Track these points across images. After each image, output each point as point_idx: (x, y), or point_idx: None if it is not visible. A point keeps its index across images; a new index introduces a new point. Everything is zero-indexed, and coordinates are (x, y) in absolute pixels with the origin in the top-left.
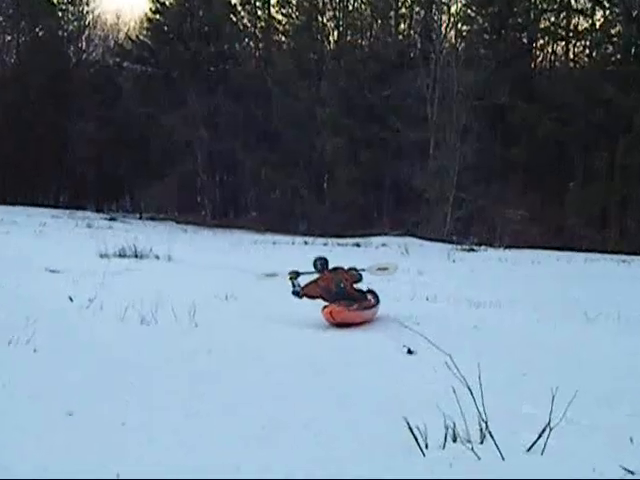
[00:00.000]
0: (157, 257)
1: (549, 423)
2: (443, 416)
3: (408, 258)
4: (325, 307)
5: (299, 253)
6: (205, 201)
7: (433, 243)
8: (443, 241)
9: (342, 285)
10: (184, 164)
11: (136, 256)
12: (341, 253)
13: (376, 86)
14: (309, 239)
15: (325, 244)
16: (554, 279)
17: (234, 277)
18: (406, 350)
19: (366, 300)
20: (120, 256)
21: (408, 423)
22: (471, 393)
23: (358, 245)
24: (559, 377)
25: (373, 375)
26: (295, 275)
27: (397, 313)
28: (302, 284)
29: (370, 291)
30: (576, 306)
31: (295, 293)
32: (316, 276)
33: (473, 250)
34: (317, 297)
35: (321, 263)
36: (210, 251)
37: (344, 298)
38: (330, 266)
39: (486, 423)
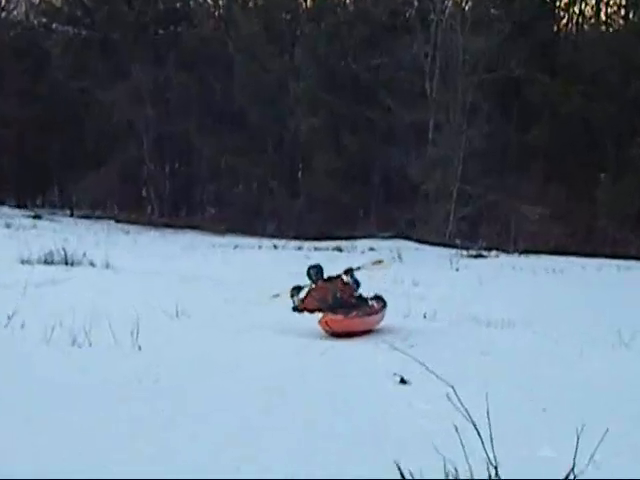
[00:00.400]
0: (92, 264)
1: (573, 469)
2: (443, 460)
3: (402, 265)
4: (321, 317)
5: (268, 259)
6: (152, 195)
7: (432, 247)
8: (444, 245)
9: (338, 295)
10: (126, 150)
11: (66, 263)
12: (319, 260)
13: (363, 54)
14: (279, 242)
15: (299, 248)
16: (581, 292)
17: (187, 288)
18: (398, 379)
19: (367, 307)
20: (46, 262)
21: (399, 468)
22: (478, 432)
23: (340, 249)
24: (585, 413)
25: (358, 410)
26: (297, 291)
27: (388, 333)
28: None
29: (376, 297)
30: (608, 325)
31: (295, 309)
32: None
33: (481, 256)
34: (316, 310)
35: (315, 272)
36: (158, 257)
37: (341, 307)
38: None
39: (496, 469)
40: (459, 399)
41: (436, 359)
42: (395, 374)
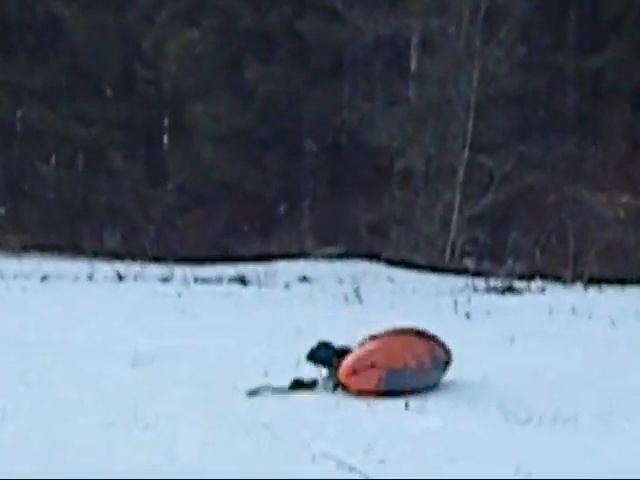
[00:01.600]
0: None
1: None
2: None
3: (362, 309)
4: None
5: (106, 303)
6: None
7: (419, 274)
8: (443, 270)
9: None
10: None
11: None
12: (203, 304)
13: None
14: (128, 268)
15: (165, 280)
16: None
17: None
18: None
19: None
20: None
21: None
22: None
23: (243, 281)
24: None
25: None
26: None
27: (338, 437)
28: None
29: None
30: None
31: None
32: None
33: (513, 290)
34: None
35: (326, 353)
36: None
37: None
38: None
39: None
40: None
41: None
42: None
